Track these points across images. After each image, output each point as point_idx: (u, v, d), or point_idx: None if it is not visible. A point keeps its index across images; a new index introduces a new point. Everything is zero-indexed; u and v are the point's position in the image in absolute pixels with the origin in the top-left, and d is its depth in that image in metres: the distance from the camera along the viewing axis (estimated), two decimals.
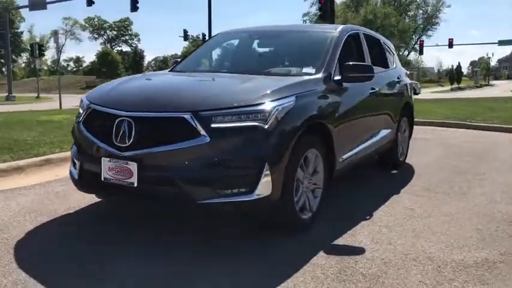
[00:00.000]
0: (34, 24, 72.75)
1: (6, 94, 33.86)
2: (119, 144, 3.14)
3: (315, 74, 3.96)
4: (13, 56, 73.97)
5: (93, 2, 28.43)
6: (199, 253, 3.15)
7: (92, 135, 3.37)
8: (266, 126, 3.11)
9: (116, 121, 3.18)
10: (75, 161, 3.58)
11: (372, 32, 5.76)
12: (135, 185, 3.11)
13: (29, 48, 39.79)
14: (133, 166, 3.11)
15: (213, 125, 3.03)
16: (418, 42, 64.43)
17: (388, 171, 5.83)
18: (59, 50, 72.53)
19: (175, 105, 3.16)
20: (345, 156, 4.14)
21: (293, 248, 3.27)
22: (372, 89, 4.70)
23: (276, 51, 4.88)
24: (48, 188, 4.63)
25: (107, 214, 3.97)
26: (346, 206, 4.29)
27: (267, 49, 5.00)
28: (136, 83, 3.95)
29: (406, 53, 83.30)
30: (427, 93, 40.36)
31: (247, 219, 3.77)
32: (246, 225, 3.71)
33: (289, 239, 3.42)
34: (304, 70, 4.07)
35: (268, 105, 3.18)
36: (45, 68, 79.06)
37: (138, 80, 4.04)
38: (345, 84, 4.10)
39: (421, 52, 56.32)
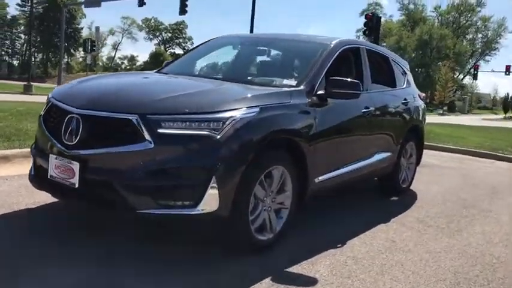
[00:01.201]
0: (94, 21, 74.93)
1: (55, 86, 35.11)
2: (67, 142, 3.00)
3: (295, 86, 3.70)
4: (71, 50, 77.32)
5: (145, 3, 29.04)
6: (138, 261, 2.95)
7: (46, 130, 3.25)
8: (218, 137, 2.88)
9: (67, 117, 3.04)
10: (31, 155, 3.48)
11: (380, 48, 5.43)
12: (76, 186, 2.96)
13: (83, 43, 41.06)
14: (76, 166, 2.95)
15: (159, 131, 2.83)
16: (474, 67, 62.25)
17: (387, 197, 5.45)
18: (101, 45, 74.50)
19: (123, 106, 2.98)
20: (322, 178, 3.84)
21: (238, 268, 3.01)
22: (366, 108, 4.38)
23: (265, 60, 4.66)
24: (24, 181, 4.55)
25: (68, 214, 3.84)
26: (321, 230, 3.98)
27: (257, 57, 4.78)
28: (99, 80, 3.81)
29: (460, 76, 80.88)
30: (476, 119, 38.86)
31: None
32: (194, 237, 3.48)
33: (239, 258, 3.17)
34: (285, 81, 3.83)
35: (224, 114, 2.96)
36: (100, 64, 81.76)
37: (103, 78, 3.91)
38: (330, 101, 3.82)
39: (475, 77, 54.26)
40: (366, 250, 3.63)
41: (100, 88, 3.42)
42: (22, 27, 74.61)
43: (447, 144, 11.25)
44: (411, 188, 5.89)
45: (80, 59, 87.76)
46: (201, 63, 4.77)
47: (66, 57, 72.53)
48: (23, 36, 75.27)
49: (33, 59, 70.57)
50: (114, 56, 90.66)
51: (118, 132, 2.90)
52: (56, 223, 3.59)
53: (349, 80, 3.78)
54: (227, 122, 2.93)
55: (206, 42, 4.99)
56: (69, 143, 2.98)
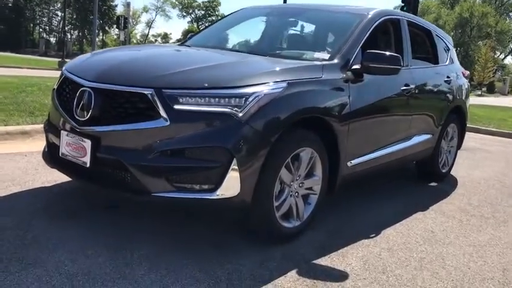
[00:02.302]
0: None
1: None
2: (79, 118, 2.77)
3: (327, 60, 3.36)
4: (106, 28, 77.96)
5: None
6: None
7: (59, 104, 3.03)
8: (240, 115, 2.60)
9: (78, 91, 2.81)
10: (44, 131, 3.28)
11: (423, 21, 4.98)
12: (88, 165, 2.73)
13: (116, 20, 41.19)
14: (87, 144, 2.72)
15: (176, 107, 2.56)
16: None
17: (425, 183, 5.08)
18: (134, 22, 74.74)
19: (138, 79, 2.72)
20: (355, 162, 3.51)
21: (260, 259, 2.74)
22: (406, 85, 4.00)
23: (296, 31, 4.30)
24: None
25: (85, 192, 3.63)
26: (351, 218, 3.67)
27: (286, 29, 4.42)
28: (115, 52, 3.56)
29: (501, 56, 77.87)
30: None
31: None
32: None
33: (262, 247, 2.91)
34: (317, 55, 3.49)
35: (247, 90, 2.66)
36: (134, 41, 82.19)
37: (119, 50, 3.65)
38: (366, 76, 3.47)
39: None
40: (402, 241, 3.31)
41: (114, 60, 3.16)
42: (59, 5, 75.49)
43: (488, 127, 10.65)
44: (451, 173, 5.49)
45: (115, 36, 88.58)
46: (226, 36, 4.45)
47: (100, 34, 73.24)
48: (59, 13, 76.19)
49: (69, 36, 71.57)
50: (148, 34, 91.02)
51: (132, 107, 2.65)
52: (71, 202, 3.39)
53: (388, 53, 3.41)
54: (250, 99, 2.64)
55: (232, 13, 4.66)
56: (81, 119, 2.75)
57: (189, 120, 2.58)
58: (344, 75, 3.32)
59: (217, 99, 2.60)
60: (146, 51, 3.62)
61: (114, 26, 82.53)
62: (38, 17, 74.33)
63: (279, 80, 2.82)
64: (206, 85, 2.63)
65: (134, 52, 3.60)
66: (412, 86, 4.09)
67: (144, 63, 3.04)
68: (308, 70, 3.11)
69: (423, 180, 5.11)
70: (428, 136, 4.58)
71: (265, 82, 2.75)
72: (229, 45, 4.27)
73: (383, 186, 4.70)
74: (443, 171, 5.20)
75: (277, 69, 2.97)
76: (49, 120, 3.26)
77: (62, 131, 2.90)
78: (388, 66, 3.38)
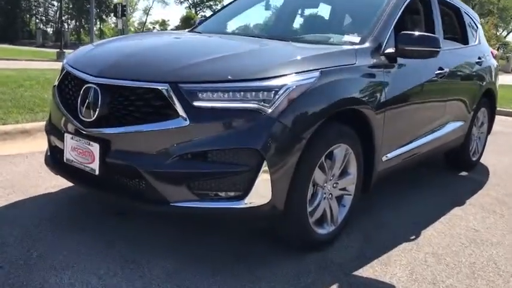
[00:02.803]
0: None
1: None
2: (84, 119, 2.43)
3: (358, 43, 3.01)
4: (103, 16, 77.07)
5: None
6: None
7: (61, 103, 2.69)
8: (270, 110, 2.26)
9: (83, 88, 2.46)
10: (45, 133, 2.94)
11: None
12: (97, 172, 2.40)
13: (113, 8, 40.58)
14: (95, 148, 2.39)
15: (196, 104, 2.22)
16: None
17: (454, 173, 4.75)
18: (132, 10, 74.05)
19: (150, 73, 2.37)
20: (391, 155, 3.18)
21: (292, 270, 2.42)
22: (440, 69, 3.64)
23: (320, 13, 3.92)
24: None
25: (91, 202, 3.30)
26: (386, 219, 3.34)
27: (307, 10, 4.05)
28: (122, 42, 3.20)
29: (504, 33, 76.94)
30: None
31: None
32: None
33: (295, 257, 2.58)
34: (346, 38, 3.13)
35: (276, 82, 2.32)
36: (132, 29, 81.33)
37: (127, 39, 3.30)
38: (399, 61, 3.12)
39: None
40: (446, 243, 2.99)
41: (121, 51, 2.79)
42: None
43: (506, 108, 10.25)
44: (480, 160, 5.16)
45: (112, 25, 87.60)
46: (240, 20, 4.07)
47: (98, 23, 72.43)
48: (55, 3, 75.22)
49: (66, 26, 70.74)
50: (146, 21, 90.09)
51: (145, 106, 2.30)
52: (79, 211, 3.06)
53: (426, 34, 3.06)
54: (280, 92, 2.29)
55: None
56: (87, 120, 2.41)
57: (211, 119, 2.24)
58: (377, 61, 2.97)
59: (242, 93, 2.26)
60: (156, 41, 3.24)
61: (112, 14, 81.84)
62: (34, 7, 73.38)
63: (311, 68, 2.47)
64: (230, 77, 2.29)
65: (142, 42, 3.23)
66: (446, 70, 3.73)
67: (155, 54, 2.68)
68: (341, 56, 2.76)
69: (453, 170, 4.77)
70: (460, 123, 4.24)
71: (295, 72, 2.41)
72: (244, 30, 3.90)
73: (412, 179, 4.36)
74: (474, 159, 4.87)
75: (307, 56, 2.62)
76: (50, 120, 2.92)
77: (65, 134, 2.56)
78: (427, 48, 3.02)
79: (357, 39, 3.06)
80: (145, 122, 2.28)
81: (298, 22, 3.88)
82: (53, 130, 2.80)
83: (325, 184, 2.66)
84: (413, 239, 3.01)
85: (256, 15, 4.14)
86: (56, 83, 2.84)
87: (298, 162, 2.36)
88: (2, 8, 60.12)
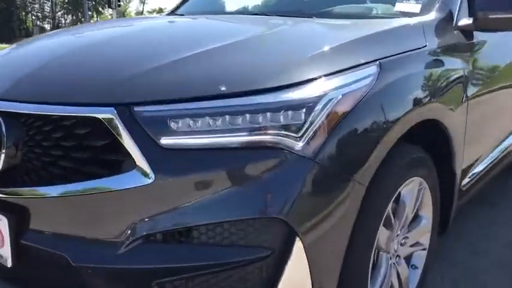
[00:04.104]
0: None
1: None
2: None
3: (419, 13, 1.95)
4: (99, 8, 75.80)
5: None
6: None
7: None
8: (300, 144, 1.23)
9: None
10: None
11: None
12: (8, 263, 1.39)
13: None
14: (3, 223, 1.38)
15: (165, 141, 1.20)
16: None
17: None
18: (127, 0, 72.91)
19: (85, 89, 1.34)
20: (477, 170, 2.16)
21: None
22: None
23: None
24: None
25: None
26: (473, 260, 2.31)
27: None
28: (52, 40, 2.06)
29: None
30: None
31: None
32: None
33: None
34: (399, 7, 2.05)
35: (308, 91, 1.28)
36: None
37: (61, 36, 2.14)
38: (478, 36, 2.07)
39: None
40: None
41: (47, 55, 1.68)
42: None
43: None
44: None
45: (109, 17, 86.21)
46: None
47: (95, 15, 71.26)
48: None
49: (63, 21, 69.71)
50: (142, 11, 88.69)
51: (76, 148, 1.28)
52: None
53: None
54: (317, 108, 1.26)
55: None
56: None
57: (192, 170, 1.21)
58: (451, 39, 1.93)
59: (247, 116, 1.23)
60: (108, 34, 2.12)
61: (107, 5, 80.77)
62: (29, 4, 72.15)
63: (362, 61, 1.43)
64: (224, 89, 1.25)
65: (84, 37, 2.08)
66: None
67: (99, 56, 1.59)
68: (404, 36, 1.71)
69: None
70: None
71: (337, 70, 1.37)
72: (244, 7, 2.79)
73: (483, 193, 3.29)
74: None
75: (352, 40, 1.56)
76: None
77: None
78: None
79: (416, 7, 1.98)
80: (79, 178, 1.26)
81: None
82: None
83: (391, 244, 1.64)
84: None
85: None
86: None
87: (354, 227, 1.35)
88: None
